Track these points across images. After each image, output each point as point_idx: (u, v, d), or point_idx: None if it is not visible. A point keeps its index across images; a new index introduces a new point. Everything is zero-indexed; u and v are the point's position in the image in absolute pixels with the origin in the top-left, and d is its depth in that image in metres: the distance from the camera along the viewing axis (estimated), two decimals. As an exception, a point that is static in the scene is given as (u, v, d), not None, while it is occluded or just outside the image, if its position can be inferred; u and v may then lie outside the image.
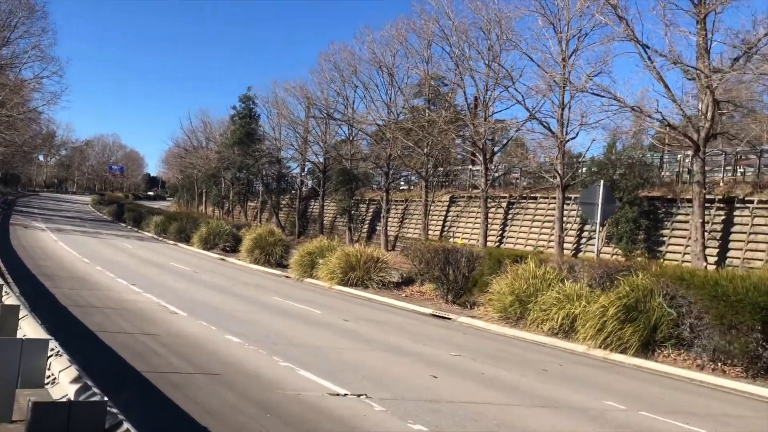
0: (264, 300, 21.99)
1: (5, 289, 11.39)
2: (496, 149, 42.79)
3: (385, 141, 48.73)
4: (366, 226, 55.48)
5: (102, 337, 12.65)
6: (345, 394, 10.21)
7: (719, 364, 14.75)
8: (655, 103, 31.09)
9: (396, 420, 9.08)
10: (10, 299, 10.67)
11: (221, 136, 72.27)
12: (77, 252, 31.98)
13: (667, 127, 29.69)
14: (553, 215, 38.98)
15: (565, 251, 34.90)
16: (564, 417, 10.27)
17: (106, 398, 5.31)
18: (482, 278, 22.24)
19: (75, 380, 6.48)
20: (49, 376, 7.17)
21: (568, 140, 37.11)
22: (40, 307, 15.09)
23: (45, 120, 70.16)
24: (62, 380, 6.79)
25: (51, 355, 7.16)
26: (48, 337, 7.36)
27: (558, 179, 36.49)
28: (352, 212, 54.53)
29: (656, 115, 28.70)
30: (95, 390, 5.95)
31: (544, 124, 37.08)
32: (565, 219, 35.75)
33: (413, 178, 55.67)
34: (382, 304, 23.97)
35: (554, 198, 39.25)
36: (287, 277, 30.85)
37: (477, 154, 42.05)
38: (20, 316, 9.16)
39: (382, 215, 49.01)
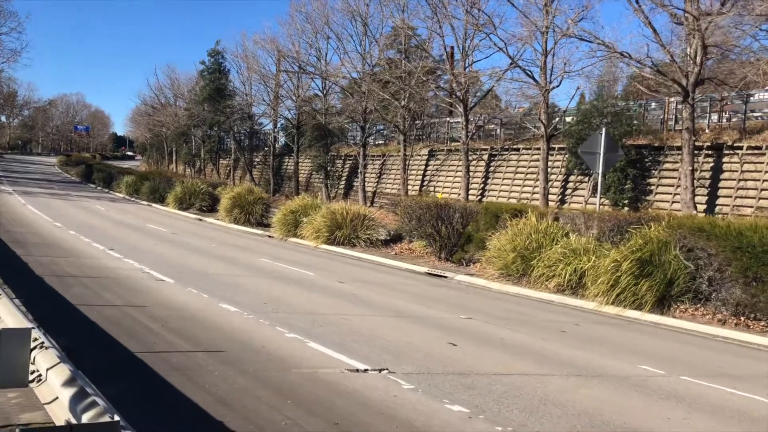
0: (252, 262, 20.71)
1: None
2: (475, 99, 41.40)
3: (360, 94, 47.09)
4: (343, 182, 54.07)
5: (86, 312, 11.32)
6: (365, 370, 9.08)
7: (742, 318, 13.93)
8: (645, 48, 29.97)
9: (430, 400, 7.98)
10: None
11: (190, 93, 69.70)
12: (48, 216, 30.25)
13: (657, 73, 28.69)
14: (536, 167, 37.99)
15: (550, 203, 34.08)
16: (606, 387, 9.27)
17: (117, 416, 4.10)
18: (478, 234, 21.19)
19: (68, 383, 5.22)
20: (33, 372, 5.90)
21: (552, 89, 35.96)
22: (14, 278, 13.71)
23: (6, 79, 67.11)
24: (51, 380, 5.52)
25: (35, 347, 5.88)
26: (30, 324, 6.06)
27: (542, 129, 35.43)
28: (328, 169, 53.05)
29: (646, 60, 27.65)
30: (98, 400, 4.70)
31: (527, 72, 35.76)
32: (549, 170, 34.84)
33: (387, 132, 54.24)
34: (373, 263, 22.84)
35: (537, 149, 38.18)
36: (270, 236, 29.52)
37: (456, 105, 40.73)
38: (-7, 296, 7.84)
39: (359, 171, 47.63)
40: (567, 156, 35.08)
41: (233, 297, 13.96)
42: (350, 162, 53.89)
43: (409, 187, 43.93)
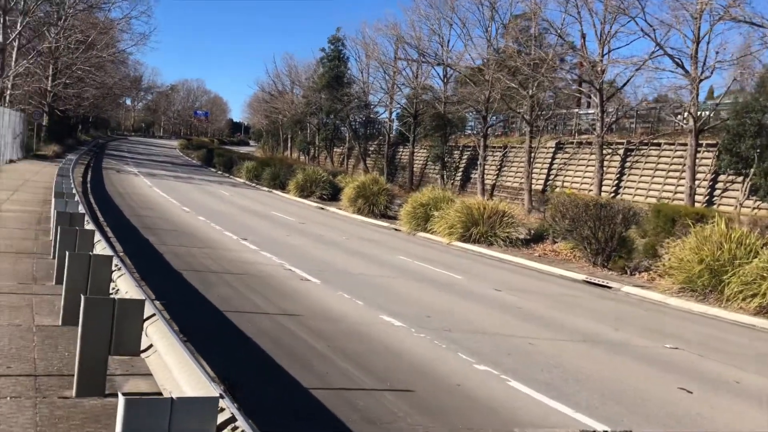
0: (390, 260, 18.71)
1: (115, 261, 8.27)
2: (612, 89, 37.86)
3: (483, 82, 44.47)
4: (459, 174, 51.61)
5: (237, 323, 9.50)
6: (606, 432, 6.77)
7: None
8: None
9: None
10: (124, 280, 7.54)
11: (307, 80, 68.87)
12: (175, 199, 29.40)
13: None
14: (679, 163, 34.42)
15: (696, 204, 30.55)
16: None
17: None
18: (647, 240, 18.37)
19: None
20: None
21: (704, 79, 32.36)
22: (150, 273, 12.15)
23: (133, 63, 68.39)
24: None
25: (224, 424, 3.90)
26: (215, 392, 4.10)
27: (690, 123, 31.91)
28: (446, 159, 50.71)
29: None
30: None
31: (677, 60, 32.33)
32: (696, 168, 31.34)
33: (509, 123, 51.38)
34: (519, 266, 20.39)
35: (682, 144, 34.57)
36: (396, 230, 27.52)
37: (593, 96, 37.54)
38: (145, 316, 6.01)
39: (478, 163, 44.98)
40: (719, 154, 31.30)
41: (390, 306, 11.91)
42: (468, 153, 51.35)
43: (534, 181, 41.08)
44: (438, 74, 51.58)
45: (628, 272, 18.61)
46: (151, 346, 5.96)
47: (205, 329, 8.97)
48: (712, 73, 33.02)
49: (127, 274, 7.73)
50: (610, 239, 19.56)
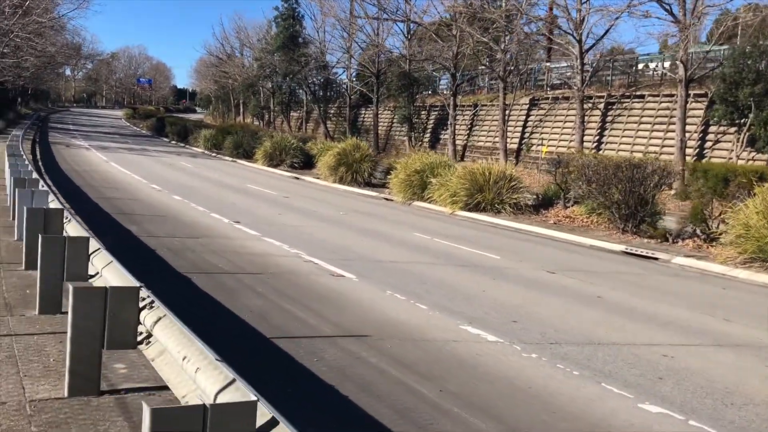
0: (407, 238, 16.15)
1: (143, 293, 5.52)
2: (589, 41, 35.54)
3: (451, 38, 41.76)
4: (428, 135, 48.98)
5: (299, 359, 6.81)
6: None
7: None
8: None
9: None
10: (167, 330, 4.80)
11: (259, 42, 64.69)
12: (138, 175, 26.10)
13: None
14: (665, 116, 32.63)
15: (686, 158, 28.82)
16: None
17: None
18: (691, 202, 16.27)
19: None
20: None
21: (694, 24, 30.43)
22: (152, 279, 9.29)
23: (72, 30, 63.04)
24: None
25: None
26: None
27: (681, 72, 29.97)
28: (413, 120, 48.02)
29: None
30: None
31: (665, 5, 30.23)
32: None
33: (479, 80, 48.90)
34: (544, 237, 18.10)
35: (668, 95, 32.76)
36: (387, 199, 24.95)
37: (571, 48, 35.26)
38: (258, 425, 3.39)
39: (449, 123, 42.51)
40: (711, 104, 29.57)
41: (458, 308, 9.42)
42: (436, 113, 48.77)
43: (508, 140, 38.88)
44: (401, 30, 48.50)
45: (670, 240, 16.51)
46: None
47: (267, 376, 6.29)
48: (700, 19, 31.20)
49: (169, 315, 4.98)
50: (642, 203, 17.44)
